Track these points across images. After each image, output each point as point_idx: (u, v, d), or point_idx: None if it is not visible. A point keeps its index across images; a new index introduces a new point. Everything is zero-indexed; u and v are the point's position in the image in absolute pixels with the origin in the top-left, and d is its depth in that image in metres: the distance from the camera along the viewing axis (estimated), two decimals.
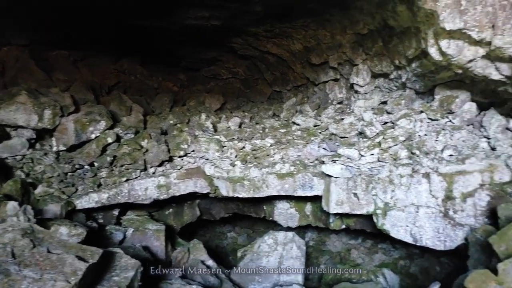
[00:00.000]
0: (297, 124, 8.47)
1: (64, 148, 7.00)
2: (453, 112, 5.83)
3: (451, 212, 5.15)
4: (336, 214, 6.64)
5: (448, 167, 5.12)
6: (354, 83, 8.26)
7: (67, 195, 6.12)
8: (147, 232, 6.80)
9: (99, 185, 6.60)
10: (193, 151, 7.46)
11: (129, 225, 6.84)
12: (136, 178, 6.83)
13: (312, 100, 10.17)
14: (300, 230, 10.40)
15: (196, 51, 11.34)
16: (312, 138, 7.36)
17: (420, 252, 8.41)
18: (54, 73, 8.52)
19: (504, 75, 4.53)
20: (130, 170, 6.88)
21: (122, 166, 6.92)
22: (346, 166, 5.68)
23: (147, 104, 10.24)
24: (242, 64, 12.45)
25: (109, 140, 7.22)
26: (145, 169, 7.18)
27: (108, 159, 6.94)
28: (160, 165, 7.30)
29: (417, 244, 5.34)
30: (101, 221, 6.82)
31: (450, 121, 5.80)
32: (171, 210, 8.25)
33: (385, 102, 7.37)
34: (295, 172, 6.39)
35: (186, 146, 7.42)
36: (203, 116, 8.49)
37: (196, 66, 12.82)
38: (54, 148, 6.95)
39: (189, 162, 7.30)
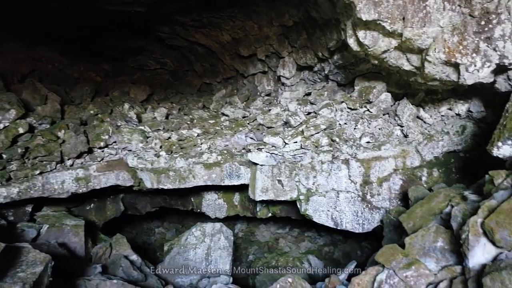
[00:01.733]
0: (226, 115, 8.44)
1: None
2: (371, 102, 6.14)
3: (368, 196, 5.42)
4: (262, 202, 6.71)
5: (365, 153, 5.38)
6: (281, 75, 8.40)
7: None
8: (64, 228, 6.35)
9: (8, 179, 6.04)
10: (115, 142, 7.11)
11: (44, 221, 6.35)
12: (51, 170, 6.36)
13: (242, 92, 10.20)
14: (230, 222, 10.42)
15: (121, 40, 10.83)
16: (240, 129, 7.36)
17: (343, 238, 8.82)
18: None
19: (414, 66, 4.83)
20: (44, 162, 6.38)
21: (35, 158, 6.39)
22: (271, 153, 5.76)
23: (65, 94, 9.61)
24: (171, 54, 12.12)
25: (21, 130, 6.62)
26: (62, 161, 6.71)
27: (19, 150, 6.37)
28: (79, 157, 6.87)
29: (338, 228, 5.56)
30: (11, 218, 6.26)
31: (368, 110, 6.10)
32: (92, 205, 7.84)
33: (309, 94, 7.59)
34: (222, 162, 6.34)
35: (107, 137, 7.05)
36: (126, 106, 8.15)
37: (122, 56, 12.23)
38: None
39: (111, 154, 6.95)
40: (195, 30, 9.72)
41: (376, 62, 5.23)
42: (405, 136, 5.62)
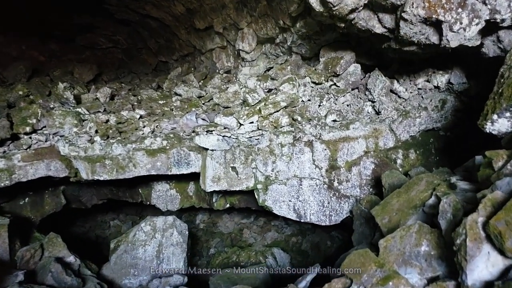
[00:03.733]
0: (179, 95, 7.48)
1: None
2: (338, 75, 5.33)
3: (336, 183, 4.66)
4: (218, 192, 5.89)
5: (331, 134, 4.59)
6: (240, 49, 7.51)
7: None
8: None
9: None
10: (45, 127, 6.07)
11: None
12: None
13: (199, 69, 9.25)
14: (191, 212, 9.58)
15: (67, 17, 9.73)
16: (194, 109, 6.45)
17: (312, 227, 8.11)
18: None
19: (387, 27, 4.05)
20: None
21: None
22: (223, 136, 4.89)
23: None
24: (123, 31, 11.01)
25: None
26: None
27: None
28: (0, 144, 5.82)
29: (301, 221, 4.79)
30: None
31: (335, 84, 5.30)
32: (27, 199, 6.86)
33: (271, 69, 6.72)
34: (168, 147, 5.44)
35: (34, 121, 6.00)
36: (61, 85, 7.04)
37: (71, 34, 11.06)
38: None
39: (40, 140, 5.92)
40: (145, 1, 8.67)
41: (343, 25, 4.41)
42: (377, 113, 4.86)
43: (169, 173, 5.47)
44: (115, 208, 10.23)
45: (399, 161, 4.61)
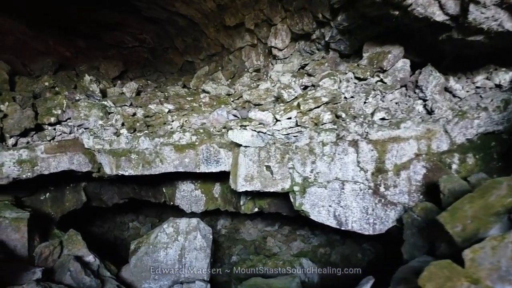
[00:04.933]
0: (207, 92, 7.16)
1: None
2: (385, 70, 4.90)
3: (382, 188, 4.21)
4: (247, 194, 5.49)
5: (380, 133, 4.15)
6: (272, 46, 7.15)
7: None
8: (2, 222, 5.30)
9: None
10: (69, 118, 5.81)
11: None
12: None
13: (227, 68, 8.93)
14: (212, 216, 9.22)
15: (94, 12, 9.57)
16: (222, 106, 6.10)
17: (341, 239, 7.63)
18: None
19: (450, 14, 3.62)
20: None
21: None
22: (258, 132, 4.50)
23: (23, 66, 8.30)
24: (150, 30, 10.81)
25: None
26: (3, 139, 5.44)
27: None
28: (24, 134, 5.60)
29: (342, 228, 4.34)
30: None
31: (381, 80, 4.86)
32: (48, 194, 6.67)
33: (305, 66, 6.33)
34: (197, 143, 5.09)
35: (59, 112, 5.74)
36: (88, 77, 6.79)
37: (96, 31, 10.92)
38: None
39: (64, 132, 5.67)
40: None
41: (397, 13, 4.00)
42: (429, 112, 4.40)
43: (197, 171, 5.12)
44: (135, 209, 9.97)
45: (454, 166, 4.13)
